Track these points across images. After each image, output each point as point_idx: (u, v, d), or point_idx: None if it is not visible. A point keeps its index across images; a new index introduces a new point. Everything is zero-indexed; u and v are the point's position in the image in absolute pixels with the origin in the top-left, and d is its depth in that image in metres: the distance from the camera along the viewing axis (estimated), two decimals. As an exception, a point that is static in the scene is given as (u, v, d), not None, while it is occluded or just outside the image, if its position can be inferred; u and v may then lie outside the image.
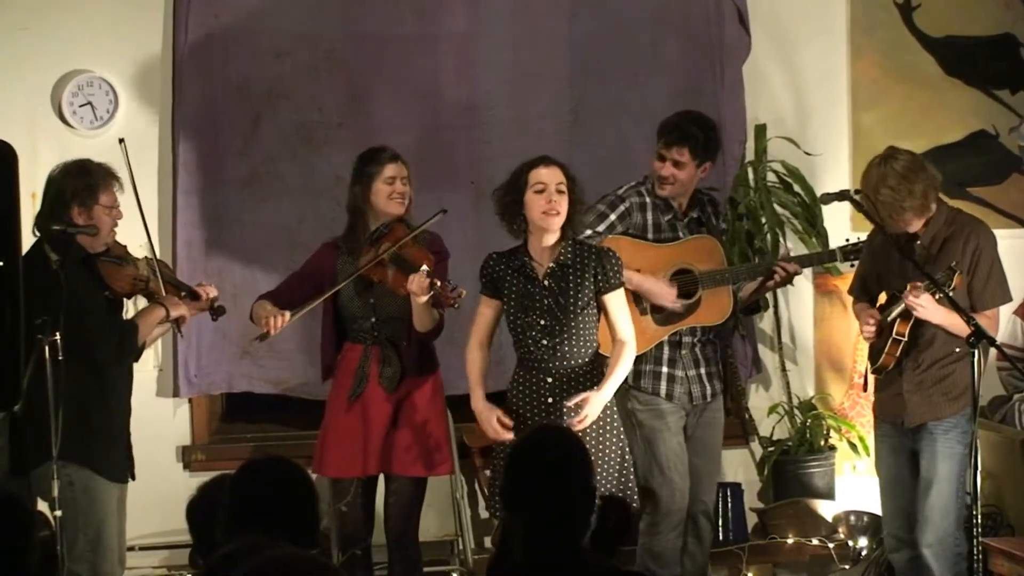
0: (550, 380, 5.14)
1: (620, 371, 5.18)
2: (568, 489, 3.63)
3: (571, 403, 5.07)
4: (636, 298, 5.51)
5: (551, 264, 5.13)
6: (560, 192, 5.09)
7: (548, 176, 5.10)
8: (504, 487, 3.71)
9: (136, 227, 5.40)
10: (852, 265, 5.68)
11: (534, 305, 5.14)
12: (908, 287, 5.19)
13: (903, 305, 5.21)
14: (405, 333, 5.40)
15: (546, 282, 5.13)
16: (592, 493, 3.72)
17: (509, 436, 5.12)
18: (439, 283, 5.10)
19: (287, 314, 5.34)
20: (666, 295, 5.51)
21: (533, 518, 3.60)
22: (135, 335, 5.27)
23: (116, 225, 5.30)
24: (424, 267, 5.14)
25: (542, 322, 5.13)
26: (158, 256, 5.78)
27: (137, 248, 5.47)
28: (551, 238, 5.13)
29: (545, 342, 5.13)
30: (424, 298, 5.14)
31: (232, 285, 6.41)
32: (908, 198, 5.20)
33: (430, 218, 5.40)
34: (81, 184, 5.21)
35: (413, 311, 5.28)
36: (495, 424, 5.15)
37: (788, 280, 5.68)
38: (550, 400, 5.14)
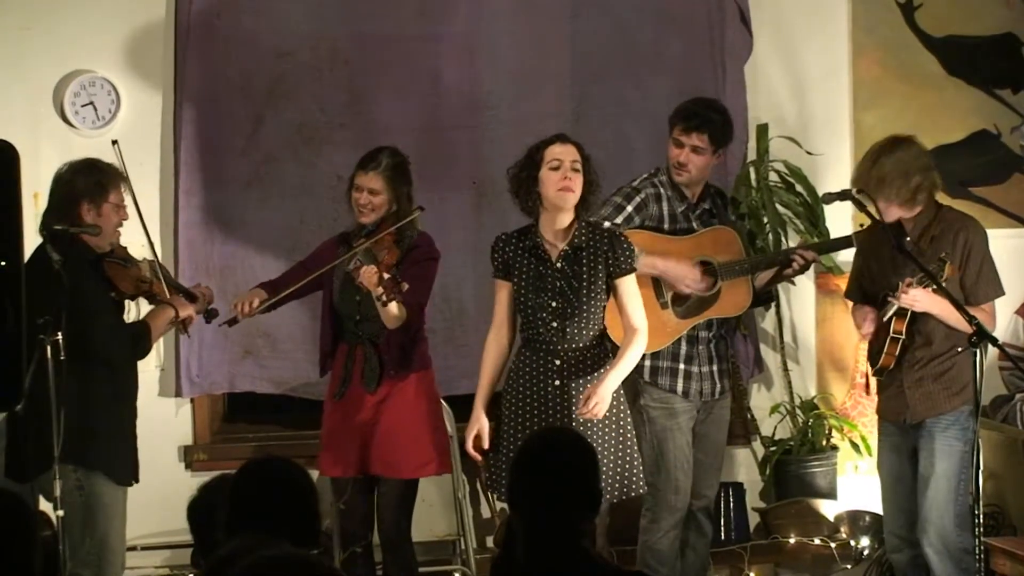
0: (558, 362, 5.13)
1: (628, 358, 5.13)
2: (575, 491, 3.64)
3: (582, 404, 5.06)
4: (657, 292, 5.50)
5: (565, 247, 5.12)
6: (575, 170, 5.07)
7: (563, 153, 5.09)
8: (511, 486, 3.71)
9: (135, 229, 5.39)
10: None
11: (546, 287, 5.12)
12: (900, 285, 5.20)
13: (897, 304, 5.22)
14: (384, 331, 5.40)
15: (559, 264, 5.12)
16: (598, 495, 3.72)
17: (475, 455, 5.21)
18: (386, 276, 5.10)
19: (256, 300, 5.38)
20: (692, 277, 5.49)
21: (538, 518, 3.60)
22: (149, 336, 5.28)
23: (121, 225, 5.30)
24: (384, 261, 5.15)
25: (553, 304, 5.11)
26: (159, 253, 5.81)
27: (139, 248, 5.47)
28: (565, 218, 5.11)
29: (555, 324, 5.12)
30: (374, 292, 5.15)
31: (234, 284, 6.41)
32: (905, 183, 5.24)
33: (407, 219, 5.40)
34: (92, 181, 5.22)
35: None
36: (473, 437, 5.20)
37: (806, 268, 5.68)
38: (557, 382, 5.12)
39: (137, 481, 5.39)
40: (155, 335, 5.33)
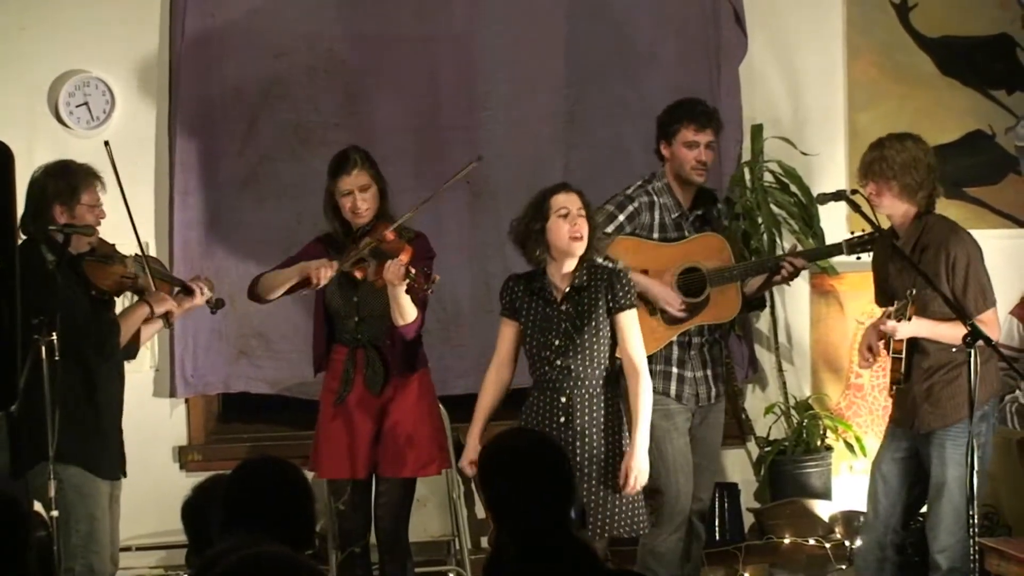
0: (564, 400, 5.15)
1: (644, 410, 5.16)
2: (558, 482, 3.64)
3: (622, 481, 5.10)
4: (645, 298, 5.51)
5: (567, 288, 5.15)
6: (581, 216, 5.11)
7: (569, 201, 5.12)
8: (493, 493, 3.70)
9: (129, 227, 5.38)
10: (858, 258, 5.68)
11: (551, 327, 5.16)
12: (879, 320, 5.31)
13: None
14: (388, 333, 5.40)
15: (564, 306, 5.15)
16: (572, 484, 3.71)
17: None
18: (414, 271, 5.11)
19: (335, 263, 5.31)
20: (671, 300, 5.50)
21: (531, 515, 3.60)
22: (116, 334, 5.25)
23: (99, 224, 5.29)
24: (400, 256, 5.15)
25: (556, 343, 5.14)
26: (154, 255, 5.78)
27: (137, 247, 5.45)
28: (571, 264, 5.15)
29: (559, 362, 5.14)
30: (400, 287, 5.15)
31: (230, 285, 6.40)
32: (904, 173, 5.28)
33: (417, 205, 5.40)
34: (63, 184, 5.21)
35: (391, 302, 5.28)
36: (466, 466, 5.22)
37: (795, 275, 5.68)
38: (563, 419, 5.14)
39: (124, 475, 5.38)
40: (127, 332, 5.29)
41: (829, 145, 6.96)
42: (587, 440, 5.12)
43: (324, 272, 5.29)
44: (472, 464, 5.18)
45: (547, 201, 5.13)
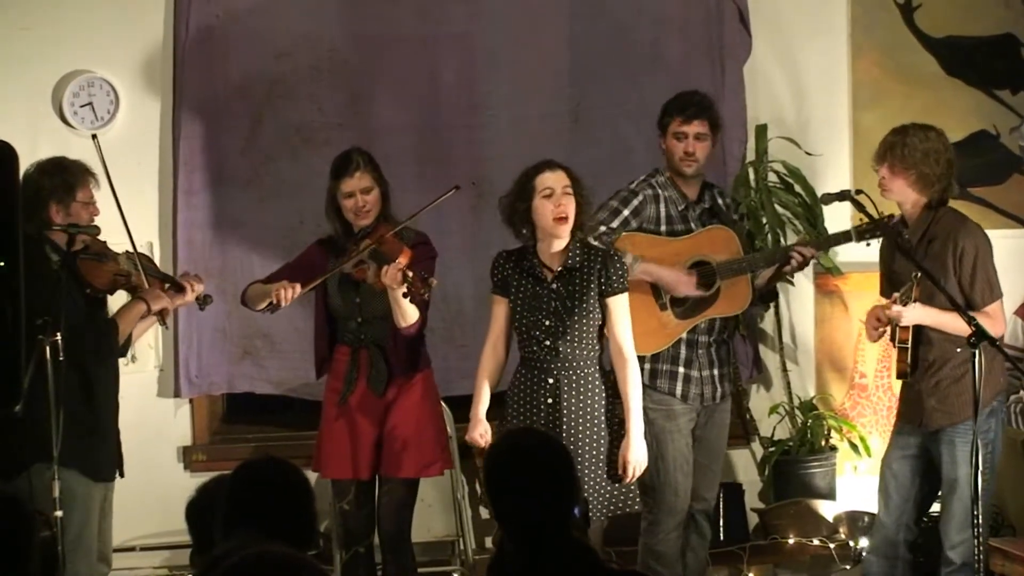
0: (551, 381, 5.16)
1: (635, 399, 5.16)
2: (562, 481, 3.64)
3: (620, 472, 5.12)
4: (656, 293, 5.50)
5: (559, 268, 5.14)
6: (567, 194, 5.10)
7: (553, 180, 5.11)
8: (496, 493, 3.70)
9: (123, 225, 5.36)
10: (867, 244, 5.65)
11: (540, 306, 5.15)
12: (886, 304, 5.28)
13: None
14: (390, 334, 5.40)
15: (554, 285, 5.15)
16: (575, 484, 3.71)
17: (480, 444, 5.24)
18: (411, 274, 5.11)
19: (298, 286, 5.32)
20: (684, 282, 5.49)
21: (531, 512, 3.61)
22: (114, 333, 5.24)
23: (92, 220, 5.27)
24: (399, 259, 5.15)
25: (547, 323, 5.14)
26: (159, 254, 5.77)
27: (130, 244, 5.44)
28: (560, 243, 5.14)
29: (548, 343, 5.14)
30: (398, 290, 5.15)
31: (233, 284, 6.41)
32: (924, 162, 5.27)
33: (413, 214, 5.42)
34: (58, 181, 5.19)
35: (391, 305, 5.28)
36: (476, 437, 5.23)
37: (805, 264, 5.67)
38: (550, 401, 5.15)
39: (122, 475, 5.36)
40: (124, 331, 5.27)
41: (833, 145, 6.96)
42: (573, 422, 5.12)
43: (284, 293, 5.30)
44: (482, 435, 5.18)
45: (531, 181, 5.13)
